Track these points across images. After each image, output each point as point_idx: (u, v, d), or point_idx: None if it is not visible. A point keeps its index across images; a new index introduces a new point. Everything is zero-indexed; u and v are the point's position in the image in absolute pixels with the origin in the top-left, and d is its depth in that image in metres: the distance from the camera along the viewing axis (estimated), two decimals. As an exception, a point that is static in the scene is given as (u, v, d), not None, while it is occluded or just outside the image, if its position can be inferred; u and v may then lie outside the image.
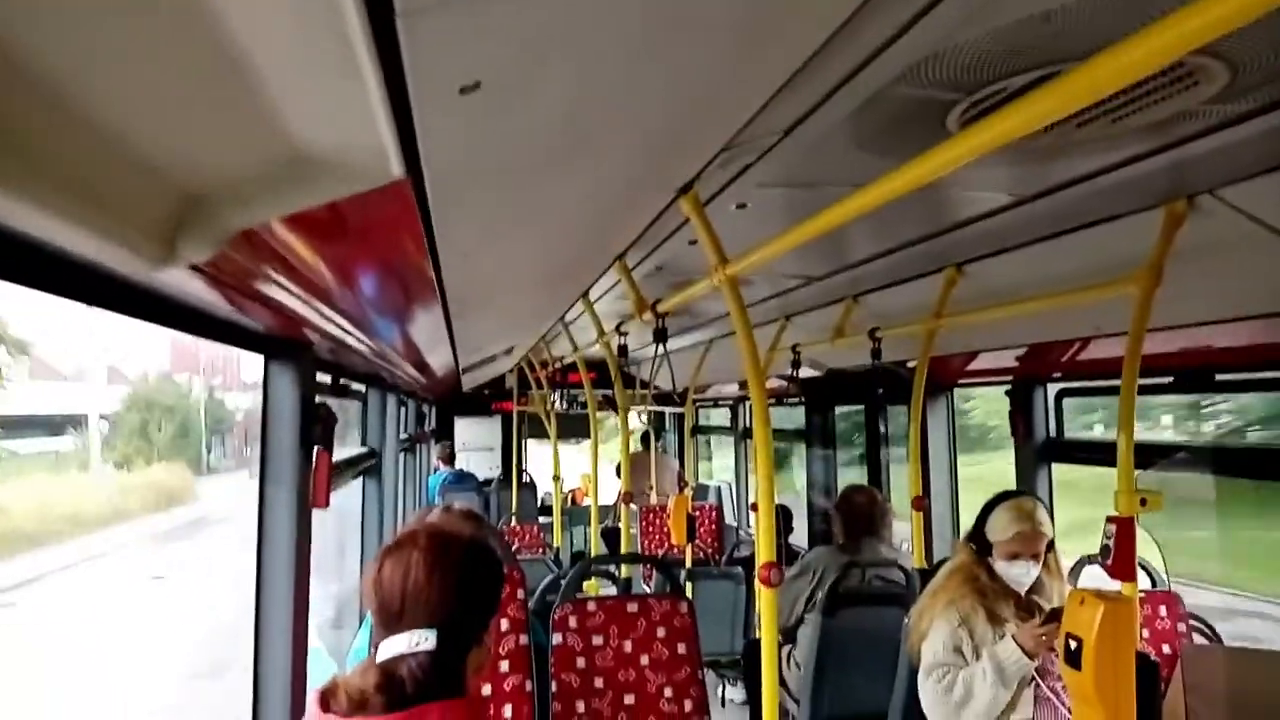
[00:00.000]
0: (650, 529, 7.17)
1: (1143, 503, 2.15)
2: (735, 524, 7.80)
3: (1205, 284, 2.33)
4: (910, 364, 3.96)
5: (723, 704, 5.61)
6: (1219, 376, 2.92)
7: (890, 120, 1.74)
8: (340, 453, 2.98)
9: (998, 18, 1.33)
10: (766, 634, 2.07)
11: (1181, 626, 2.98)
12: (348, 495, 4.14)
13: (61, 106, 0.74)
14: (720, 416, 9.40)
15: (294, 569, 1.95)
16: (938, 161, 1.20)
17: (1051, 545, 2.66)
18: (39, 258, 0.97)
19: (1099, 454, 3.60)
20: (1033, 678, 2.55)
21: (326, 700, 1.43)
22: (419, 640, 1.44)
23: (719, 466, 10.23)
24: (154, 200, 0.95)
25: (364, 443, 4.17)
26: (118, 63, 0.72)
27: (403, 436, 5.30)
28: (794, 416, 6.81)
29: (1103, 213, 2.26)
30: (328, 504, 2.05)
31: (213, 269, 1.11)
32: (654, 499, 7.63)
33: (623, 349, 3.84)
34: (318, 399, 2.14)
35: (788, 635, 4.06)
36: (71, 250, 0.93)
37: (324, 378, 2.58)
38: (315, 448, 2.03)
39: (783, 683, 4.03)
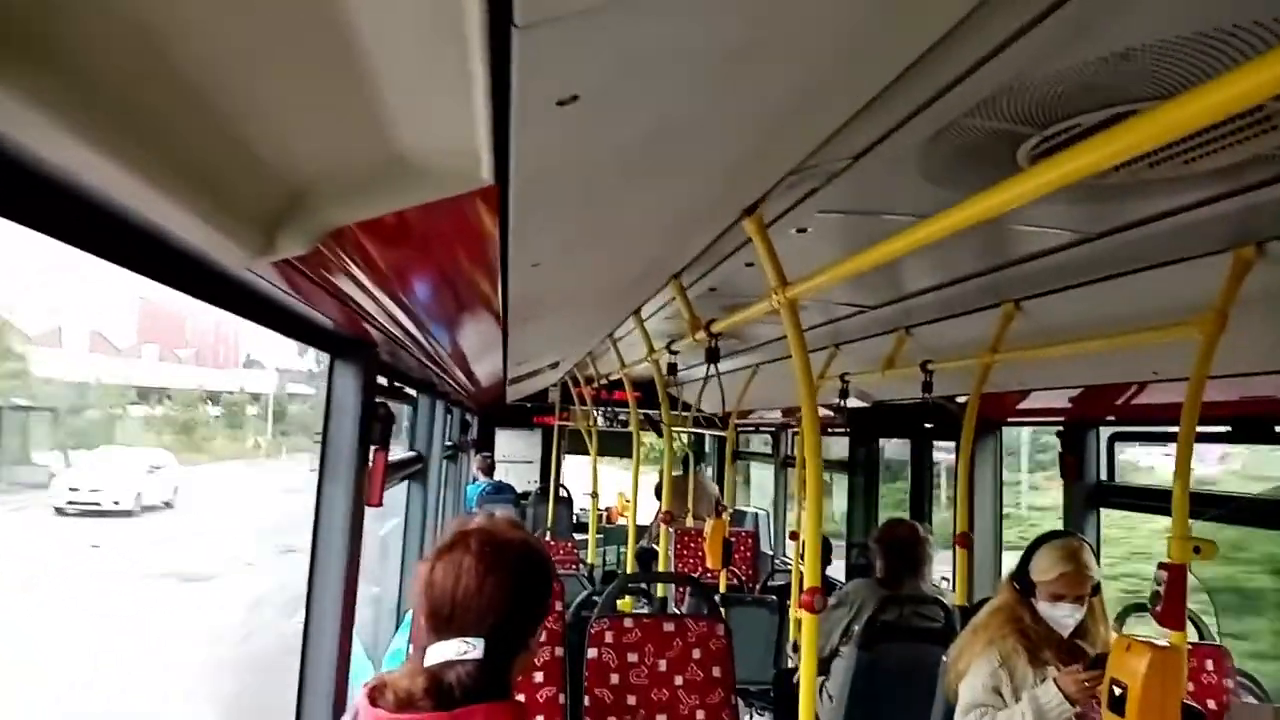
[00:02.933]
0: (685, 552, 7.15)
1: (1196, 550, 2.11)
2: (771, 552, 7.75)
3: (1269, 332, 2.30)
4: (960, 399, 3.93)
5: (752, 732, 5.56)
6: (1278, 428, 2.87)
7: (960, 152, 1.74)
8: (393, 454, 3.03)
9: (1075, 55, 1.34)
10: (806, 662, 2.07)
11: (1229, 682, 2.92)
12: (390, 497, 4.19)
13: (187, 97, 0.78)
14: (760, 442, 9.36)
15: (346, 563, 1.98)
16: (1006, 196, 1.21)
17: (1097, 589, 2.62)
18: (142, 241, 1.02)
19: (1151, 500, 3.54)
20: None
21: (374, 696, 1.45)
22: (467, 648, 1.44)
23: (757, 493, 10.18)
24: (260, 193, 0.99)
25: (411, 446, 4.23)
26: (244, 56, 0.76)
27: (447, 443, 5.35)
28: (834, 447, 6.76)
29: (1168, 255, 2.24)
30: (381, 503, 2.09)
31: (302, 264, 1.15)
32: (690, 522, 7.61)
33: (672, 367, 3.86)
34: (378, 399, 2.18)
35: (822, 667, 4.03)
36: (179, 236, 0.97)
37: (381, 380, 2.63)
38: (373, 446, 2.07)
39: (814, 715, 3.99)
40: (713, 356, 2.83)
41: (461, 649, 1.45)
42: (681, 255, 2.47)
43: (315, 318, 1.69)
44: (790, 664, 4.77)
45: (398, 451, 3.99)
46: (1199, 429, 2.27)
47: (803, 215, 2.23)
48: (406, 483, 4.17)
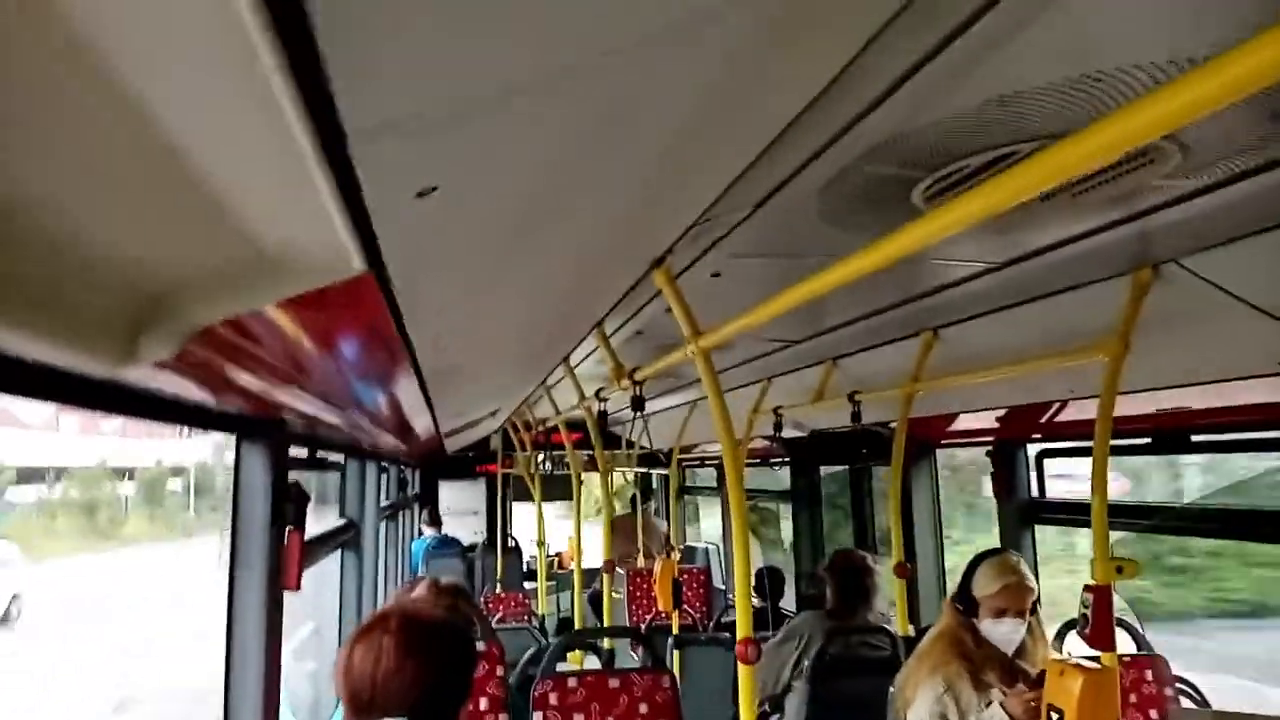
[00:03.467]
0: (637, 593, 7.08)
1: (1119, 570, 2.14)
2: (723, 588, 7.72)
3: (1175, 349, 2.36)
4: (892, 424, 3.97)
5: (713, 774, 5.48)
6: (1195, 438, 2.94)
7: (857, 195, 1.77)
8: (318, 525, 2.94)
9: (957, 102, 1.36)
10: (744, 712, 2.04)
11: (1169, 691, 2.95)
12: (328, 566, 4.08)
13: (12, 213, 0.75)
14: (709, 476, 9.36)
15: (264, 653, 1.91)
16: (905, 241, 1.22)
17: (1035, 608, 2.64)
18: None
19: (1081, 515, 3.60)
20: None
21: None
22: None
23: (708, 527, 10.15)
24: (111, 303, 0.95)
25: (342, 513, 4.12)
26: (67, 169, 0.73)
27: (384, 504, 5.24)
28: (782, 478, 6.78)
29: (1071, 280, 2.29)
30: (299, 586, 2.02)
31: (178, 364, 1.11)
32: (641, 561, 7.54)
33: (603, 415, 3.84)
34: (291, 475, 2.12)
35: (775, 704, 4.00)
36: (28, 355, 0.93)
37: (299, 451, 2.56)
38: (287, 527, 2.00)
39: (771, 753, 3.95)
40: (638, 405, 2.82)
41: None
42: (598, 307, 2.46)
43: (213, 405, 1.64)
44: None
45: (327, 521, 3.89)
46: (1122, 442, 2.31)
47: (714, 261, 2.24)
48: (340, 552, 4.06)
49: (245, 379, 1.46)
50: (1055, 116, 1.39)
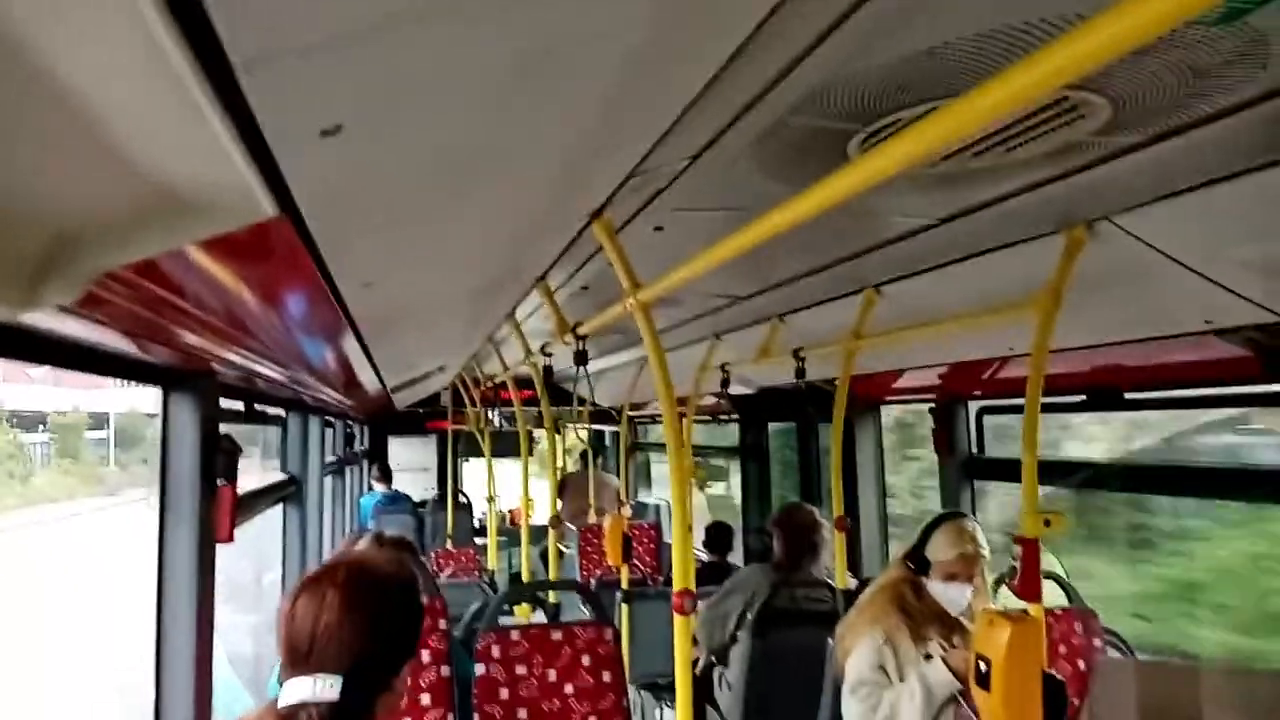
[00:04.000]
0: (589, 549, 7.11)
1: (1046, 524, 2.19)
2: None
3: (1108, 307, 2.40)
4: (837, 382, 4.01)
5: (661, 727, 5.57)
6: (1127, 395, 3.00)
7: (793, 148, 1.76)
8: (256, 479, 2.91)
9: (888, 52, 1.36)
10: (680, 664, 2.06)
11: (1097, 642, 3.04)
12: (271, 521, 4.04)
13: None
14: (659, 434, 9.39)
15: (197, 608, 1.89)
16: (837, 187, 1.22)
17: (982, 568, 2.69)
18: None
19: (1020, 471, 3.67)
20: (954, 697, 2.57)
21: None
22: (322, 689, 1.38)
23: (659, 484, 10.23)
24: (8, 245, 0.91)
25: (284, 468, 4.08)
26: None
27: (330, 459, 5.19)
28: (731, 434, 6.83)
29: (1007, 238, 2.31)
30: (232, 539, 1.99)
31: (84, 308, 1.08)
32: (593, 518, 7.58)
33: (549, 370, 3.82)
34: (225, 428, 2.08)
35: (720, 656, 4.06)
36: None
37: (234, 404, 2.52)
38: (219, 481, 1.97)
39: (715, 704, 4.02)
40: (581, 359, 2.81)
41: (318, 686, 1.38)
42: (540, 260, 2.44)
43: (135, 354, 1.60)
44: (696, 655, 4.80)
45: (267, 475, 3.85)
46: (1057, 400, 2.35)
47: (656, 214, 2.22)
48: (283, 506, 4.02)
49: (166, 327, 1.42)
50: (982, 70, 1.39)
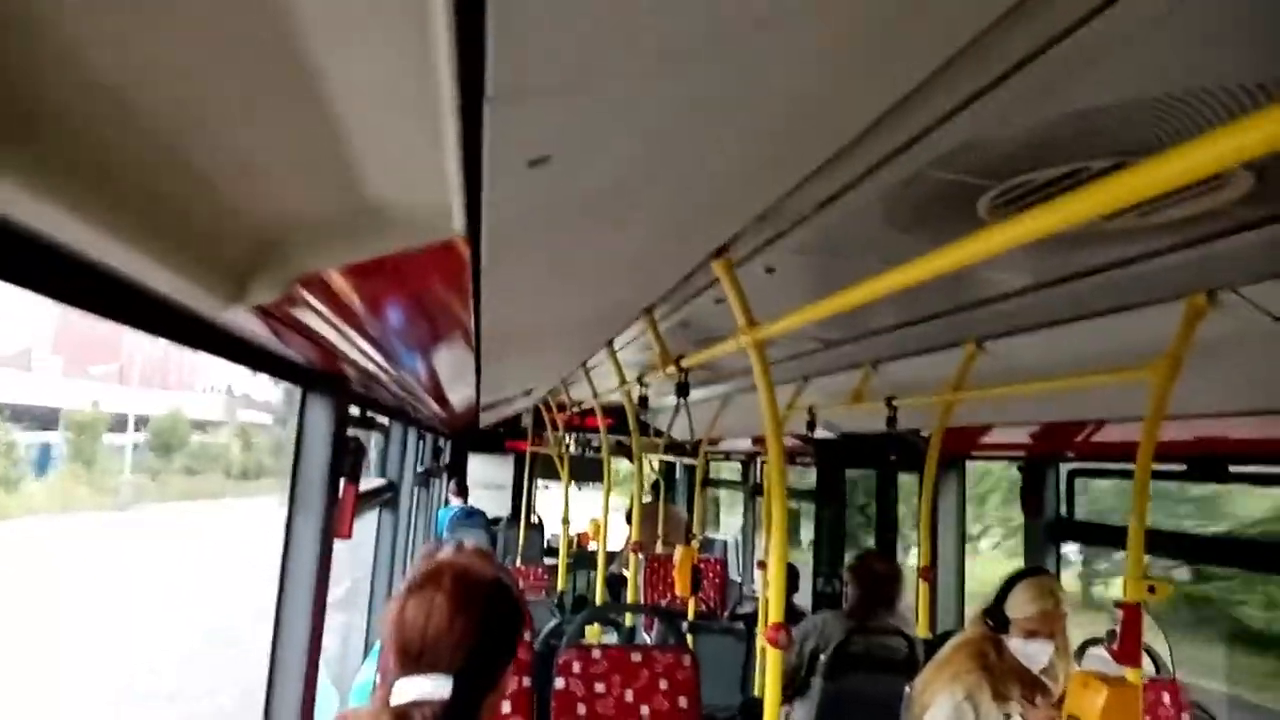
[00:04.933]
0: (654, 578, 7.14)
1: (1151, 590, 2.17)
2: (739, 579, 7.76)
3: (1222, 376, 2.37)
4: (924, 433, 3.98)
5: (718, 760, 5.54)
6: (1233, 468, 2.94)
7: (922, 201, 1.79)
8: (365, 483, 3.02)
9: (1036, 113, 1.39)
10: (770, 694, 2.08)
11: (1185, 716, 2.97)
12: (360, 525, 4.17)
13: (154, 142, 0.80)
14: (731, 471, 9.39)
15: (313, 597, 1.98)
16: (968, 251, 1.25)
17: (1063, 626, 2.66)
18: (112, 288, 1.03)
19: (1109, 537, 3.61)
20: None
21: None
22: (434, 687, 1.44)
23: (727, 521, 10.20)
24: (230, 239, 1.01)
25: (383, 474, 4.21)
26: (213, 103, 0.77)
27: (419, 469, 5.33)
28: (805, 477, 6.80)
29: (1125, 301, 2.31)
30: (350, 534, 2.09)
31: (276, 308, 1.17)
32: (660, 549, 7.60)
33: (643, 400, 3.89)
34: (349, 432, 2.19)
35: (786, 696, 4.04)
36: (153, 287, 0.99)
37: (353, 410, 2.63)
38: (343, 479, 2.07)
39: (780, 744, 4.00)
40: (683, 391, 2.87)
41: (429, 688, 1.44)
42: (652, 292, 2.51)
43: (287, 354, 1.71)
44: (758, 692, 4.77)
45: (369, 480, 3.98)
46: (1160, 467, 2.32)
47: (771, 255, 2.27)
48: (378, 510, 4.15)
49: (323, 330, 1.52)
50: (1130, 136, 1.41)
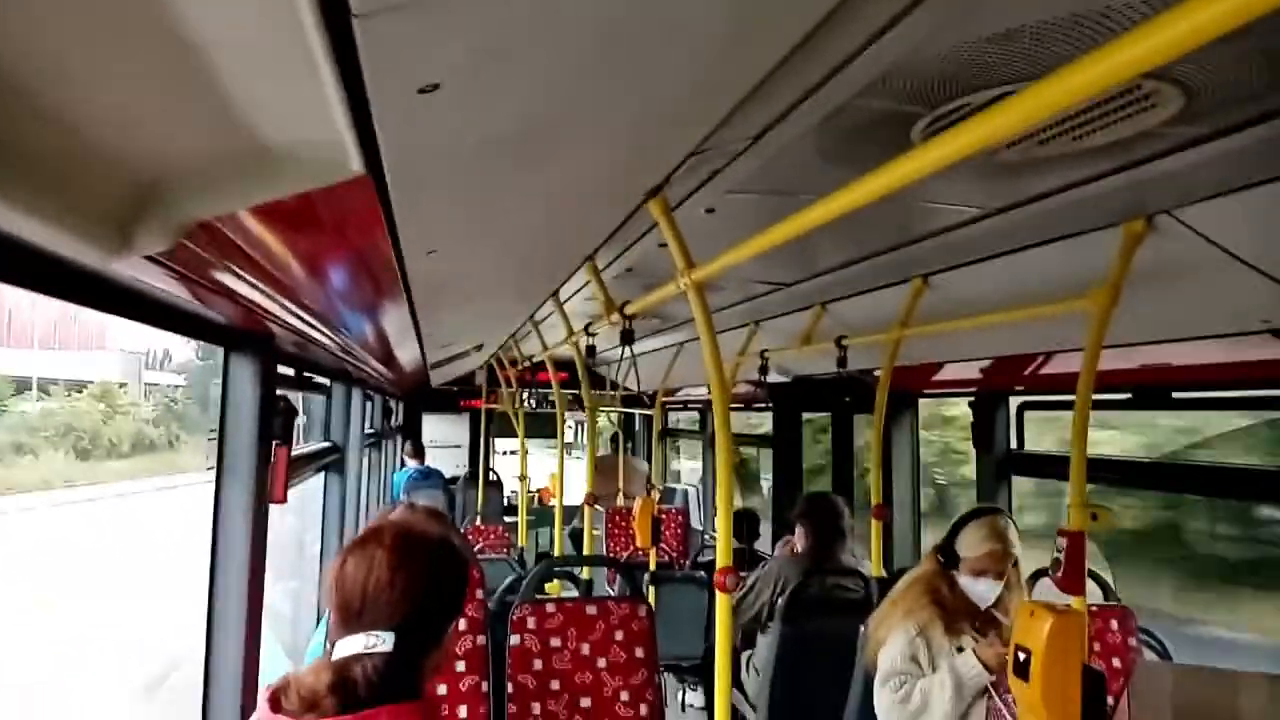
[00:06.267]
0: (616, 531, 7.17)
1: (1093, 517, 2.18)
2: (701, 528, 7.82)
3: (1163, 303, 2.37)
4: (876, 373, 3.99)
5: (683, 708, 5.62)
6: (1175, 394, 2.97)
7: (856, 132, 1.76)
8: (302, 447, 2.95)
9: (960, 35, 1.35)
10: (721, 640, 2.08)
11: (1132, 641, 3.03)
12: (309, 490, 4.11)
13: (14, 93, 0.74)
14: (690, 420, 9.42)
15: (249, 564, 1.93)
16: (900, 172, 1.22)
17: (1015, 563, 2.69)
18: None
19: (1059, 467, 3.64)
20: (986, 689, 2.58)
21: (278, 698, 1.41)
22: (375, 641, 1.42)
23: (687, 470, 10.25)
24: (110, 189, 0.94)
25: (327, 436, 4.14)
26: (72, 49, 0.72)
27: (368, 432, 5.26)
28: (764, 422, 6.83)
29: (1065, 229, 2.30)
30: (285, 499, 2.04)
31: (171, 259, 1.10)
32: (621, 501, 7.62)
33: (590, 349, 3.85)
34: (279, 392, 2.12)
35: (746, 640, 4.08)
36: (22, 237, 0.92)
37: (286, 371, 2.56)
38: (274, 442, 2.01)
39: (741, 688, 4.05)
40: (627, 339, 2.82)
41: (369, 642, 1.42)
42: (591, 238, 2.45)
43: (201, 312, 1.63)
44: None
45: (313, 443, 3.91)
46: (1102, 397, 2.33)
47: (709, 196, 2.23)
48: (324, 474, 4.08)
49: (237, 285, 1.45)
50: (1054, 56, 1.38)
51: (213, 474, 1.95)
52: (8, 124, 0.76)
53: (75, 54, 0.72)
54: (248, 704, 1.93)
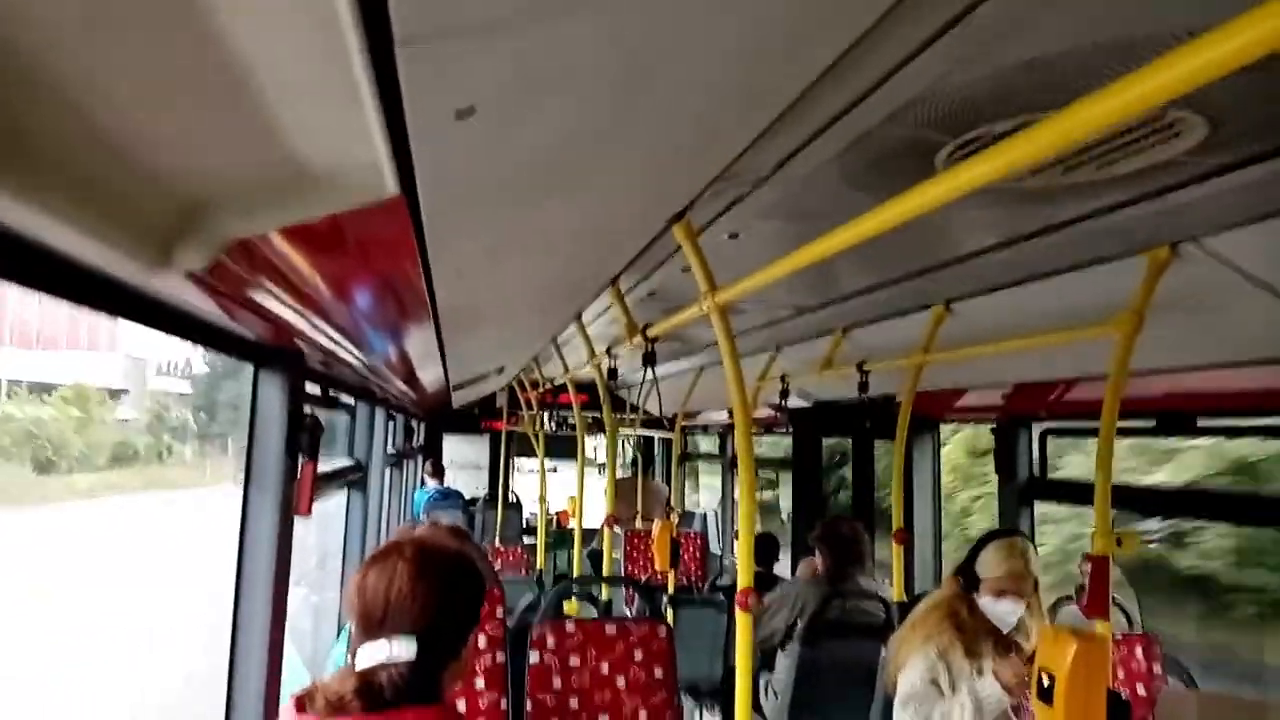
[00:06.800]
0: (634, 553, 7.16)
1: (1118, 543, 2.17)
2: (719, 552, 7.80)
3: (1187, 330, 2.37)
4: (898, 398, 3.99)
5: (701, 731, 5.58)
6: (1201, 422, 2.96)
7: (879, 159, 1.77)
8: (326, 464, 2.99)
9: (985, 64, 1.37)
10: (741, 661, 2.08)
11: (1157, 669, 3.00)
12: (331, 504, 4.15)
13: (65, 110, 0.77)
14: (709, 444, 9.41)
15: (274, 576, 1.96)
16: (923, 199, 1.23)
17: (1035, 585, 2.68)
18: (36, 258, 0.99)
19: (1081, 494, 3.62)
20: (1007, 712, 2.56)
21: (303, 704, 1.44)
22: (399, 649, 1.45)
23: (706, 494, 10.23)
24: (153, 206, 0.97)
25: (351, 454, 4.18)
26: (122, 69, 0.74)
27: (390, 451, 5.30)
28: (783, 446, 6.82)
29: (1088, 256, 2.30)
30: (310, 512, 2.06)
31: (209, 276, 1.13)
32: (640, 524, 7.61)
33: (612, 372, 3.87)
34: (306, 409, 2.15)
35: (765, 663, 4.07)
36: (69, 252, 0.95)
37: (313, 389, 2.60)
38: (301, 457, 2.04)
39: (759, 710, 4.03)
40: (649, 361, 2.84)
41: (393, 650, 1.45)
42: (616, 261, 2.48)
43: (233, 328, 1.67)
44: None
45: (337, 460, 3.94)
46: (1128, 424, 2.32)
47: (733, 221, 2.25)
48: (346, 491, 4.12)
49: (269, 303, 1.48)
50: (1080, 84, 1.39)
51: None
52: (61, 141, 0.80)
53: (125, 74, 0.75)
54: (269, 712, 1.95)
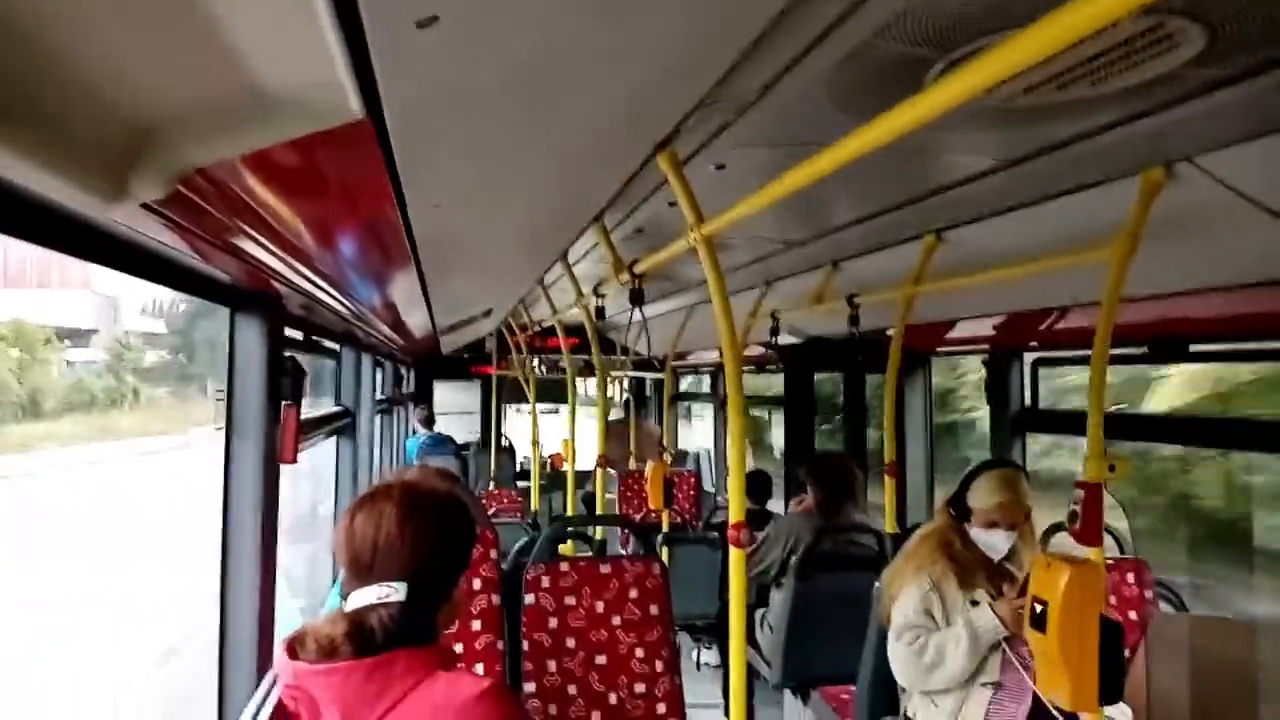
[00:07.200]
0: (629, 494, 7.20)
1: (1111, 469, 2.16)
2: (713, 490, 7.84)
3: (1181, 253, 2.33)
4: (889, 332, 3.96)
5: (697, 667, 5.66)
6: (1193, 347, 2.93)
7: (868, 78, 1.72)
8: (313, 410, 2.95)
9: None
10: (735, 596, 2.08)
11: (1148, 594, 3.02)
12: (324, 455, 4.12)
13: (4, 31, 0.72)
14: (701, 383, 9.43)
15: (261, 525, 1.93)
16: (913, 114, 1.18)
17: (1028, 515, 2.69)
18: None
19: (1073, 424, 3.62)
20: (1001, 642, 2.58)
21: (294, 648, 1.43)
22: (389, 591, 1.44)
23: (699, 433, 10.27)
24: (103, 132, 0.92)
25: (338, 401, 4.15)
26: None
27: (379, 398, 5.27)
28: (775, 383, 6.81)
29: (1082, 178, 2.25)
30: (295, 460, 2.03)
31: (169, 208, 1.08)
32: (634, 464, 7.65)
33: (600, 311, 3.83)
34: (286, 353, 2.11)
35: (760, 598, 4.10)
36: (15, 182, 0.90)
37: (295, 334, 2.55)
38: (284, 402, 2.01)
39: (755, 645, 4.07)
40: (636, 299, 2.80)
41: (383, 592, 1.44)
42: (601, 193, 2.42)
43: (205, 270, 1.62)
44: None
45: (323, 406, 3.91)
46: (1118, 351, 2.30)
47: (719, 150, 2.19)
48: (336, 440, 4.09)
49: (239, 239, 1.43)
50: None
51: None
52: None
53: None
54: (264, 661, 1.94)
